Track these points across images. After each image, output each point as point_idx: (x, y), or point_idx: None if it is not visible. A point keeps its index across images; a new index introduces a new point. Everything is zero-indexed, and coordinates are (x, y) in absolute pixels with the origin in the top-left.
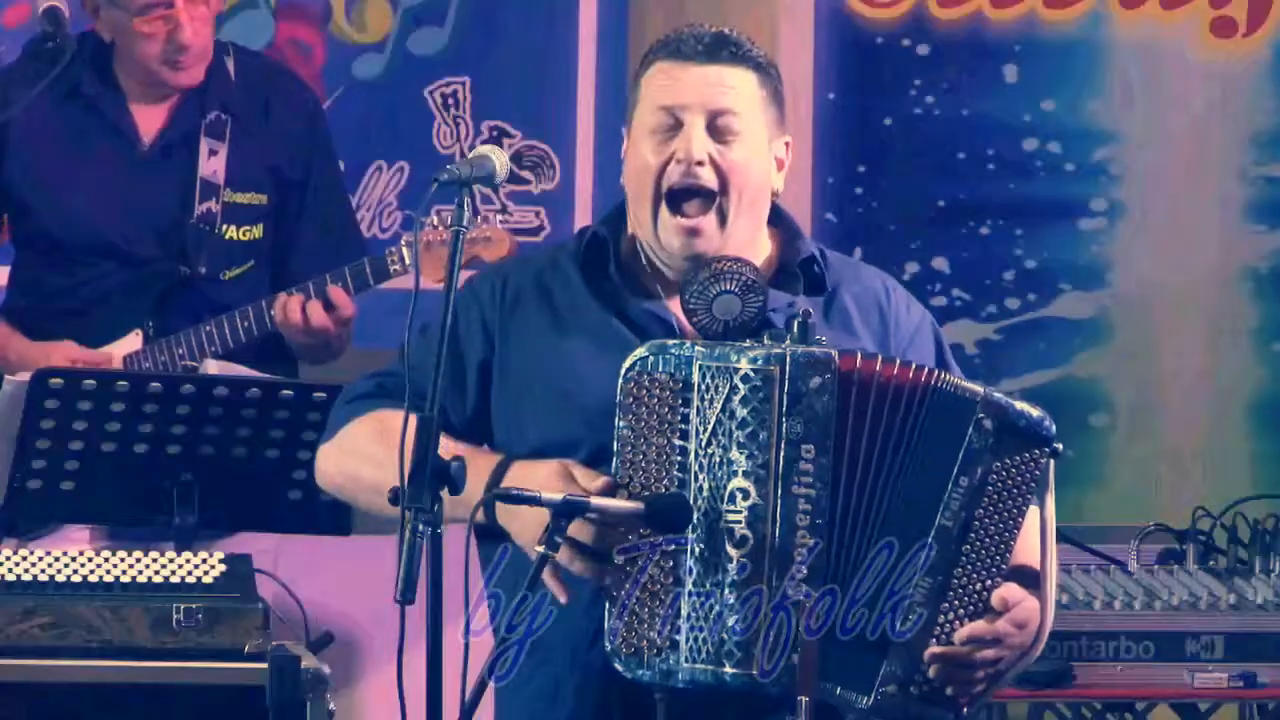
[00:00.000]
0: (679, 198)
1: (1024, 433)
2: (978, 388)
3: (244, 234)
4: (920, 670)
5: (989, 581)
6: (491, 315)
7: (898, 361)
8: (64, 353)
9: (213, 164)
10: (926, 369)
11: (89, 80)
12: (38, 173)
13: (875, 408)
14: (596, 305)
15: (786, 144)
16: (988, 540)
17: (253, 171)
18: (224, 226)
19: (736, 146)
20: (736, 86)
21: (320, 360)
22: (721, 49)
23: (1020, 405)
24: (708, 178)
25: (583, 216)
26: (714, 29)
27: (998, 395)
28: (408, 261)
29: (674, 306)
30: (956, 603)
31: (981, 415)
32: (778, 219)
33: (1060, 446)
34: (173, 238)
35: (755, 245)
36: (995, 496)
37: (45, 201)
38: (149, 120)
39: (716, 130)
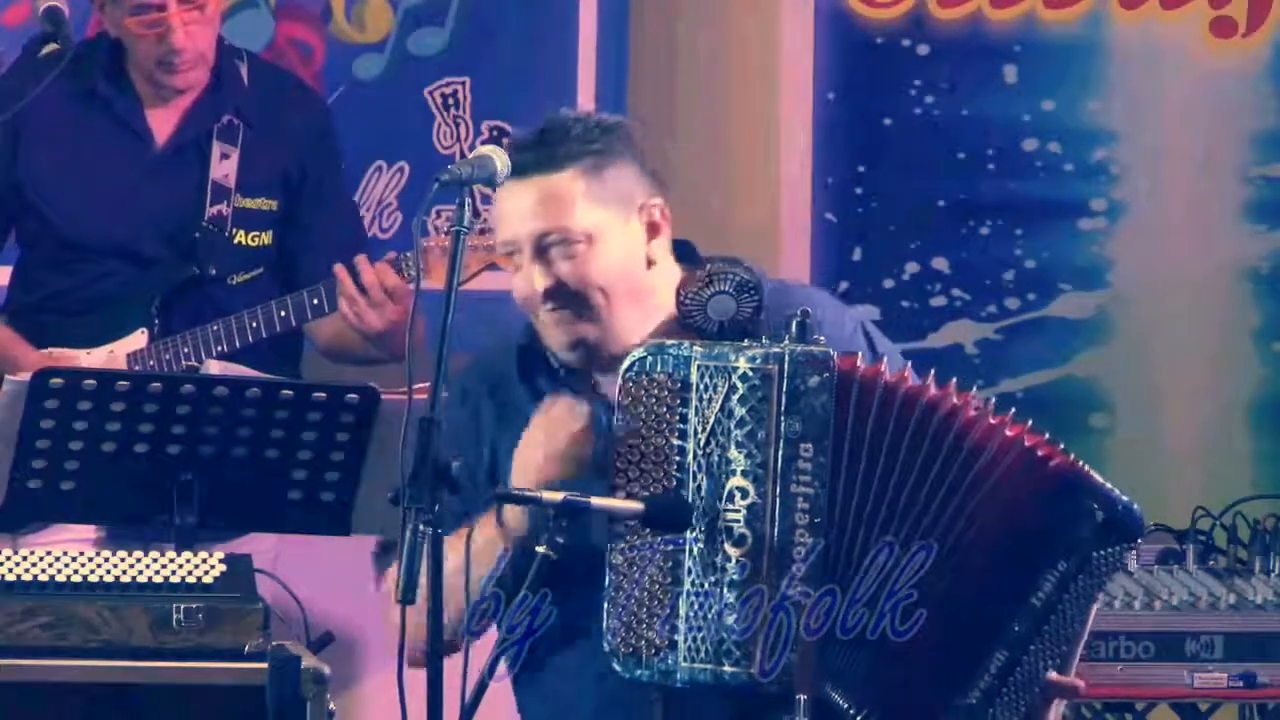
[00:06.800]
0: None
1: (1124, 530)
2: (1097, 477)
3: (253, 240)
4: None
5: (1053, 662)
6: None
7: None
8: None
9: (224, 168)
10: (1062, 450)
11: (104, 81)
12: (49, 170)
13: (880, 411)
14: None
15: (656, 207)
16: (1064, 624)
17: (263, 177)
18: (234, 230)
19: (576, 257)
20: (556, 194)
21: (379, 358)
22: (534, 158)
23: (1128, 502)
24: (557, 301)
25: None
26: (542, 124)
27: (1110, 488)
28: (424, 267)
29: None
30: (1022, 678)
31: (1095, 506)
32: (694, 262)
33: (1141, 541)
34: (182, 239)
35: (653, 317)
36: (1082, 583)
37: (55, 199)
38: (162, 122)
39: (546, 252)
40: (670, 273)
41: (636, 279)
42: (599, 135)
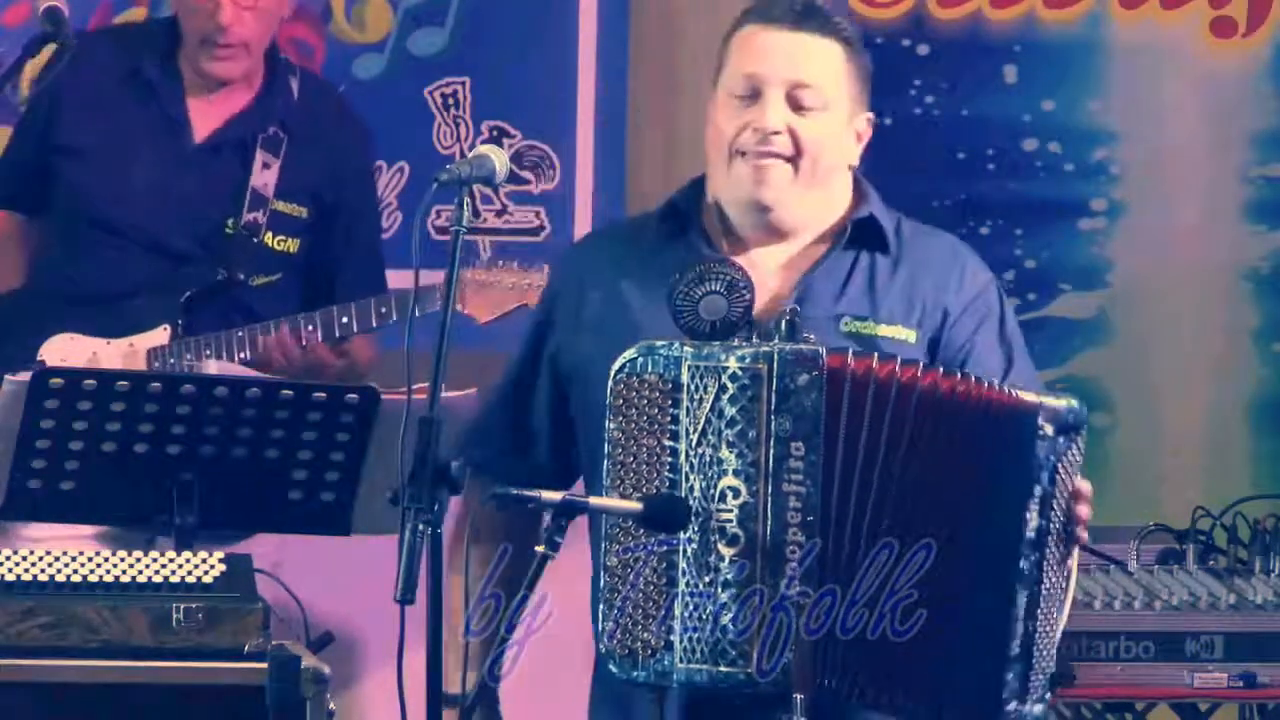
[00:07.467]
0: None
1: (1072, 426)
2: (1033, 397)
3: (279, 244)
4: (1030, 679)
5: (1064, 569)
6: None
7: (925, 367)
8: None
9: (265, 177)
10: (985, 382)
11: (152, 65)
12: (85, 146)
13: (875, 406)
14: (657, 271)
15: (869, 120)
16: (1058, 536)
17: (297, 186)
18: (265, 233)
19: (814, 119)
20: (821, 58)
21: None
22: (811, 17)
23: (1061, 400)
24: (782, 145)
25: (583, 216)
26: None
27: (1047, 399)
28: (458, 298)
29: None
30: (1047, 605)
31: (1043, 422)
32: (854, 183)
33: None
34: (212, 240)
35: (826, 215)
36: (1060, 491)
37: (87, 180)
38: (205, 117)
39: (795, 101)
40: (848, 192)
41: (837, 169)
42: (857, 36)
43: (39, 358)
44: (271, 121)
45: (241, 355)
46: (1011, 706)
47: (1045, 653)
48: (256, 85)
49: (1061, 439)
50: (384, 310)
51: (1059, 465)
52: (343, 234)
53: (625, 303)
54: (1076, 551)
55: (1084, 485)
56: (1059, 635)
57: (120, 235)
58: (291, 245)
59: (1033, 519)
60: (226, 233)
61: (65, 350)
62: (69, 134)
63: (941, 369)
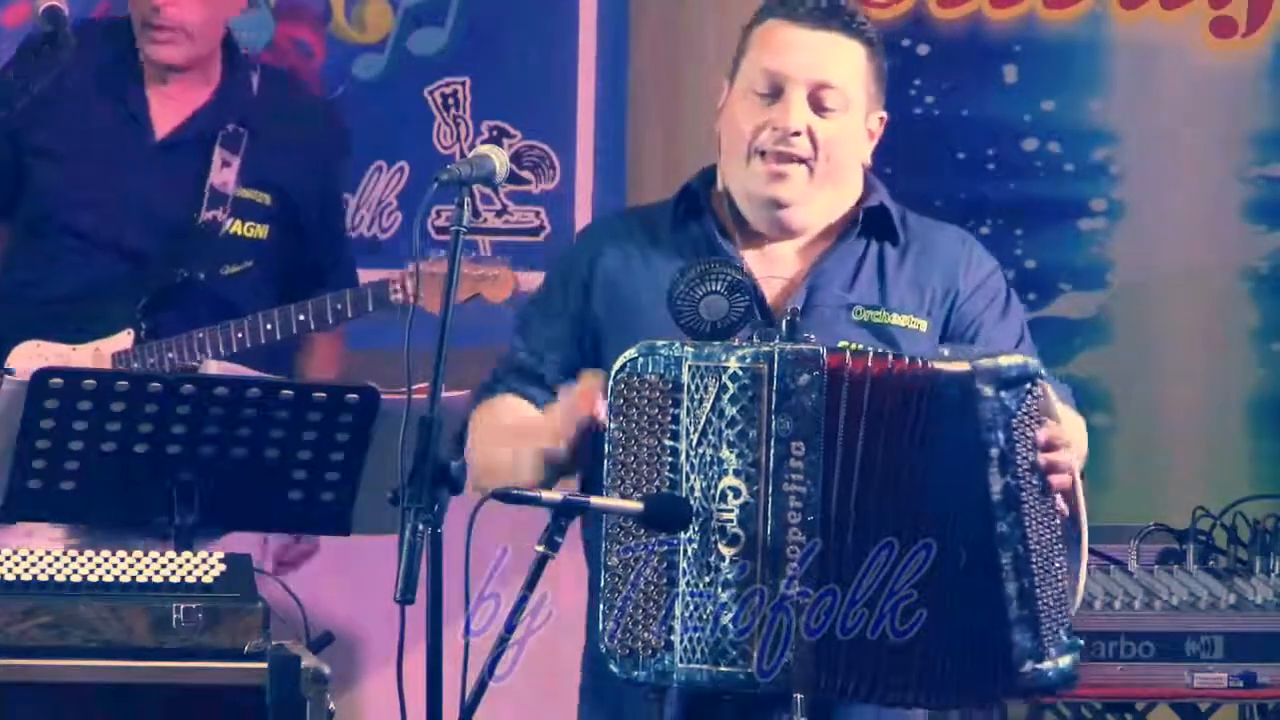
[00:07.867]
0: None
1: (1017, 380)
2: (964, 363)
3: (248, 230)
4: (1041, 637)
5: (1055, 518)
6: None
7: (890, 356)
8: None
9: (224, 175)
10: (920, 360)
11: (116, 62)
12: (53, 150)
13: (872, 403)
14: (671, 249)
15: (881, 119)
16: (1034, 487)
17: (261, 176)
18: (229, 221)
19: (834, 119)
20: (844, 58)
21: None
22: (835, 17)
23: (1002, 359)
24: (802, 147)
25: (583, 216)
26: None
27: (981, 360)
28: (408, 290)
29: (743, 253)
30: (1041, 558)
31: (980, 385)
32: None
33: (1041, 368)
34: (172, 238)
35: (837, 211)
36: (1021, 446)
37: (54, 181)
38: (165, 114)
39: (817, 102)
40: (859, 188)
41: (851, 165)
42: (878, 36)
43: (7, 365)
44: (231, 118)
45: (203, 356)
46: (1027, 668)
47: (1055, 603)
48: (215, 82)
49: (1006, 395)
50: (339, 307)
51: (1013, 422)
52: (316, 230)
53: (635, 274)
54: (1082, 498)
55: (1045, 433)
56: (1079, 581)
57: (83, 237)
58: (261, 231)
59: (996, 481)
60: (187, 238)
61: (33, 358)
62: (40, 133)
63: (871, 353)
